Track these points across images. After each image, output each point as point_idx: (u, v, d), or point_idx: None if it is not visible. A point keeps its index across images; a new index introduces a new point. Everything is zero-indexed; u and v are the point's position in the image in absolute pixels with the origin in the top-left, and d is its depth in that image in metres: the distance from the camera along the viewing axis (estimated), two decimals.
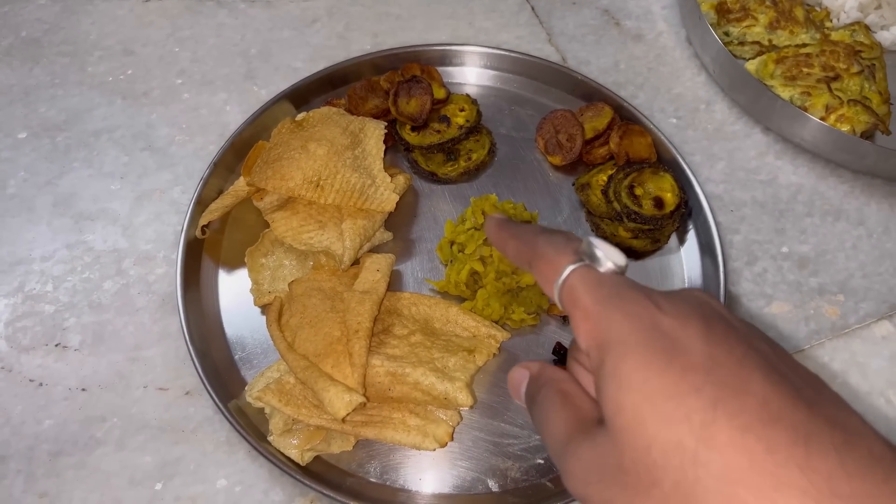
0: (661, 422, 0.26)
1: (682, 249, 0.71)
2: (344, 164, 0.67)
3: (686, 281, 0.69)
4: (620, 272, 0.32)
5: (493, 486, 0.59)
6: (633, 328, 0.28)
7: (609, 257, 0.31)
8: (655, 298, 0.29)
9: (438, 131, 0.75)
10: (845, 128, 0.72)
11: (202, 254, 0.69)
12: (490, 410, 0.62)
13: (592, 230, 0.72)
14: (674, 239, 0.71)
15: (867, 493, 0.23)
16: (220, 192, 0.71)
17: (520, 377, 0.37)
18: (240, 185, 0.69)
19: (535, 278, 0.34)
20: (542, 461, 0.60)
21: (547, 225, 0.71)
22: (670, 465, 0.25)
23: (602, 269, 0.31)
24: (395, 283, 0.68)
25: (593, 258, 0.31)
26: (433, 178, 0.74)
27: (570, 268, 0.31)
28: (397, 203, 0.71)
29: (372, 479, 0.59)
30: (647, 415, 0.26)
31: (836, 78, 0.76)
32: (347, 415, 0.54)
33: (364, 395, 0.56)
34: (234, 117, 0.77)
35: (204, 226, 0.68)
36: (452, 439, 0.58)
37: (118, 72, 0.82)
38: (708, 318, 0.28)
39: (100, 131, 0.77)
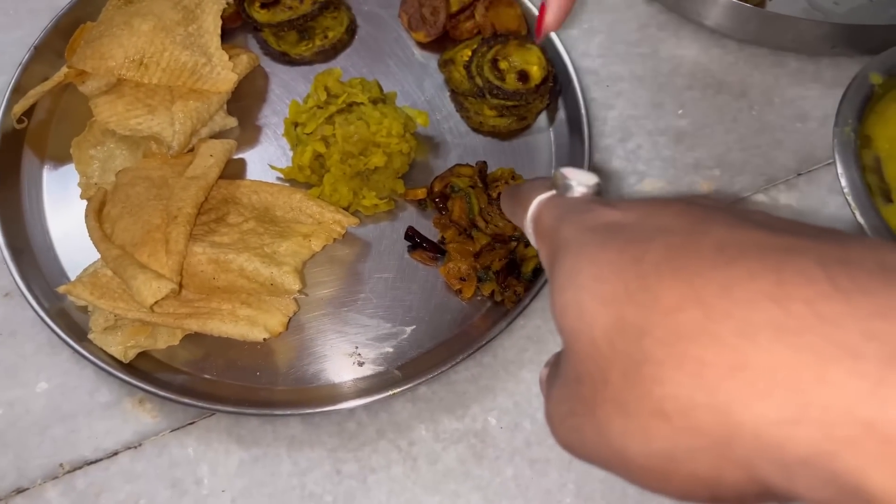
0: (600, 304, 0.21)
1: (552, 129, 0.66)
2: (173, 41, 0.60)
3: (553, 160, 0.65)
4: (594, 193, 0.29)
5: (340, 376, 0.56)
6: (576, 230, 0.25)
7: (578, 180, 0.29)
8: (616, 203, 0.26)
9: (290, 7, 0.68)
10: None
11: (23, 147, 0.63)
12: (339, 301, 0.58)
13: (456, 110, 0.66)
14: (543, 118, 0.66)
15: (873, 307, 0.17)
16: (46, 80, 0.64)
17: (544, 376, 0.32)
18: (64, 70, 0.63)
19: (520, 228, 0.31)
20: (390, 349, 0.57)
21: (409, 105, 0.66)
22: (616, 352, 0.21)
23: (573, 195, 0.29)
24: (239, 171, 0.63)
25: (565, 187, 0.29)
26: (285, 58, 0.68)
27: (538, 199, 0.29)
28: (244, 87, 0.65)
29: (206, 376, 0.56)
30: (586, 303, 0.22)
31: None
32: (157, 303, 0.50)
33: (180, 283, 0.51)
34: (67, 1, 0.70)
35: (22, 115, 0.62)
36: (287, 329, 0.55)
37: None
38: (668, 201, 0.24)
39: None
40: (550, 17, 0.48)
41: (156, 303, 0.49)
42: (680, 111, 0.68)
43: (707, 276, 0.20)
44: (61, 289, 0.53)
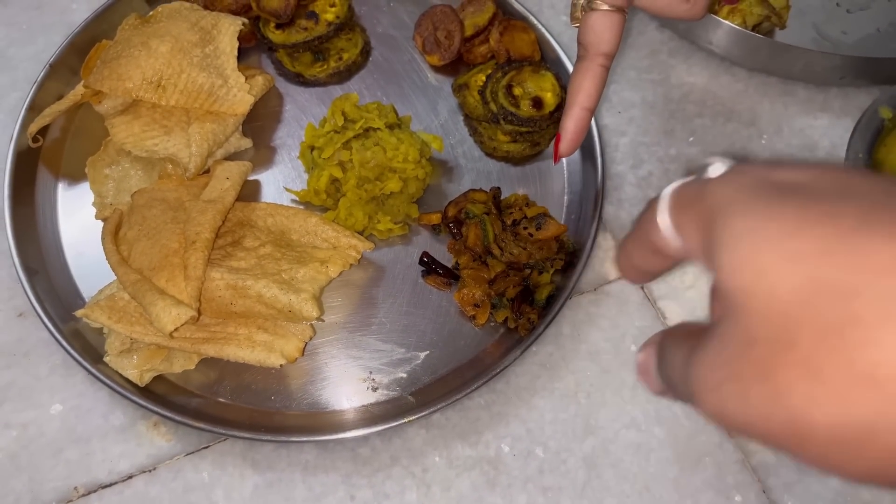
0: (789, 261, 0.19)
1: None
2: (190, 62, 0.60)
3: (566, 186, 0.65)
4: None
5: (353, 402, 0.56)
6: (738, 188, 0.22)
7: (710, 165, 0.26)
8: (773, 165, 0.24)
9: (305, 28, 0.69)
10: (737, 21, 0.68)
11: (38, 165, 0.63)
12: (353, 325, 0.59)
13: (470, 134, 0.67)
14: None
15: None
16: (61, 97, 0.64)
17: (646, 359, 0.28)
18: (80, 89, 0.63)
19: (647, 241, 0.27)
20: (404, 375, 0.57)
21: (423, 129, 0.67)
22: (811, 312, 0.19)
23: (713, 174, 0.25)
24: (254, 193, 0.63)
25: (700, 173, 0.26)
26: (300, 80, 0.68)
27: (672, 186, 0.26)
28: (259, 108, 0.66)
29: (221, 400, 0.56)
30: (770, 260, 0.20)
31: None
32: (176, 329, 0.50)
33: (198, 309, 0.51)
34: (81, 16, 0.69)
35: (37, 133, 0.62)
36: (303, 354, 0.55)
37: None
38: (837, 168, 0.23)
39: None
40: (565, 146, 0.52)
41: (175, 329, 0.49)
42: (690, 139, 0.69)
43: None
44: (79, 313, 0.53)
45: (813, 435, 0.19)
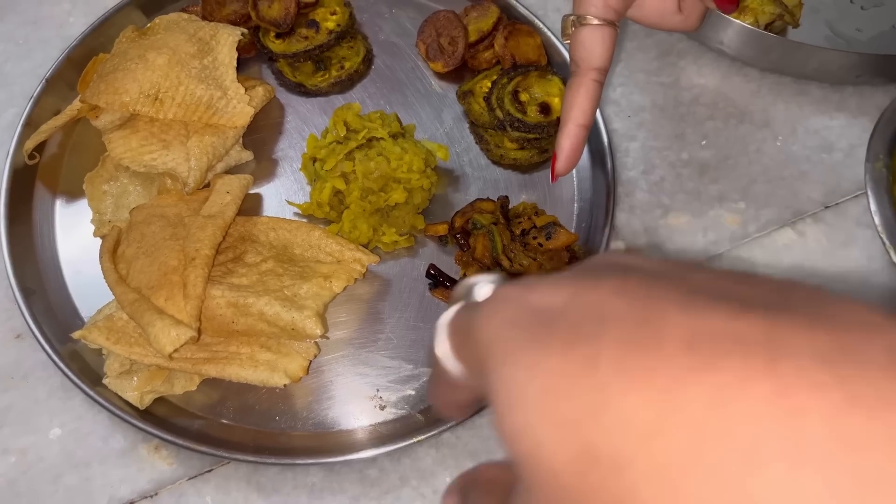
0: (559, 429, 0.18)
1: None
2: (188, 74, 0.59)
3: (576, 194, 0.63)
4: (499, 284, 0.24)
5: (360, 421, 0.54)
6: (499, 328, 0.20)
7: (477, 286, 0.24)
8: (529, 282, 0.21)
9: (306, 38, 0.67)
10: (748, 20, 0.66)
11: (35, 182, 0.61)
12: (359, 342, 0.57)
13: (476, 142, 0.65)
14: None
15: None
16: (58, 113, 0.63)
17: (452, 502, 0.27)
18: (77, 104, 0.62)
19: (442, 376, 0.25)
20: (412, 392, 0.56)
21: (427, 138, 0.65)
22: (591, 487, 0.17)
23: (479, 297, 0.24)
24: (255, 207, 0.62)
25: (466, 294, 0.24)
26: (301, 90, 0.67)
27: (442, 321, 0.24)
28: (260, 119, 0.64)
29: (223, 421, 0.54)
30: (542, 429, 0.18)
31: None
32: (176, 351, 0.48)
33: (199, 329, 0.50)
34: (79, 29, 0.68)
35: (34, 150, 0.60)
36: (308, 373, 0.53)
37: None
38: (595, 272, 0.20)
39: None
40: (561, 164, 0.51)
41: (174, 351, 0.48)
42: (703, 142, 0.67)
43: (687, 385, 0.16)
44: (76, 334, 0.52)
45: None
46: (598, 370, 0.17)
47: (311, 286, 0.53)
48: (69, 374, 0.52)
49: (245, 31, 0.65)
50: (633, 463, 0.16)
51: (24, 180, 0.60)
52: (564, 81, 0.63)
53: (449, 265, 0.60)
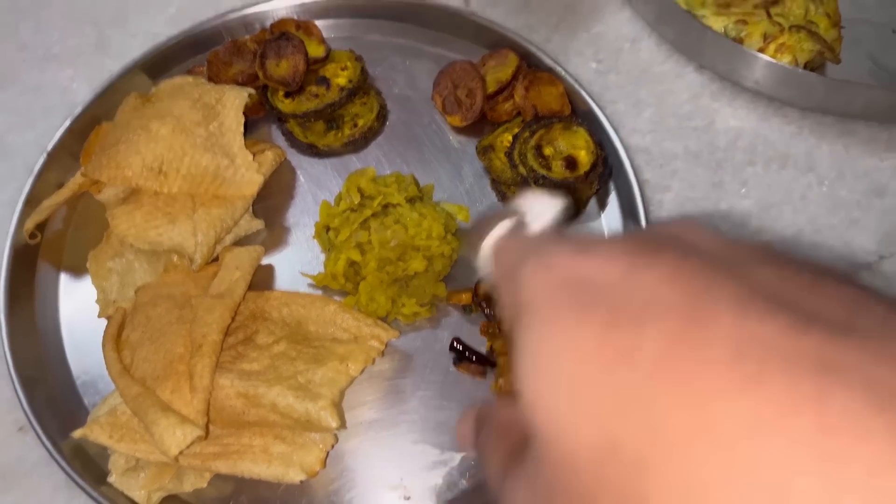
0: (584, 413, 0.17)
1: (604, 215, 0.61)
2: (193, 144, 0.56)
3: None
4: (557, 222, 0.25)
5: None
6: (542, 286, 0.20)
7: (534, 211, 0.24)
8: (585, 243, 0.20)
9: (317, 95, 0.64)
10: (786, 59, 0.62)
11: (37, 261, 0.59)
12: (380, 424, 0.53)
13: (499, 199, 0.61)
14: (593, 204, 0.61)
15: None
16: (61, 186, 0.60)
17: (466, 429, 0.27)
18: (79, 178, 0.59)
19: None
20: (440, 480, 0.51)
21: (447, 198, 0.61)
22: (607, 479, 0.16)
23: (531, 230, 0.24)
24: (267, 278, 0.58)
25: (521, 221, 0.25)
26: (313, 150, 0.63)
27: (493, 235, 0.24)
28: (270, 184, 0.61)
29: None
30: (566, 408, 0.18)
31: (776, 1, 0.65)
32: (181, 452, 0.44)
33: (207, 425, 0.46)
34: (83, 97, 0.66)
35: (37, 227, 0.58)
36: (325, 466, 0.49)
37: None
38: (656, 250, 0.19)
39: None
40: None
41: (180, 453, 0.44)
42: (742, 190, 0.62)
43: (728, 400, 0.15)
44: (77, 434, 0.49)
45: None
46: (637, 363, 0.16)
47: (326, 371, 0.49)
48: (71, 473, 0.49)
49: (252, 91, 0.62)
50: (656, 470, 0.15)
51: (25, 259, 0.58)
52: (590, 132, 0.59)
53: (474, 335, 0.55)
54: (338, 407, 0.48)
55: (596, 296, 0.18)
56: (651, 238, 0.20)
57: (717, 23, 0.65)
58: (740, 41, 0.64)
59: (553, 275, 0.20)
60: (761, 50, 0.62)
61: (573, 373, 0.17)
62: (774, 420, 0.14)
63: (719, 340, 0.16)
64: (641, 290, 0.18)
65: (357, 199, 0.55)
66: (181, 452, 0.44)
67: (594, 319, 0.18)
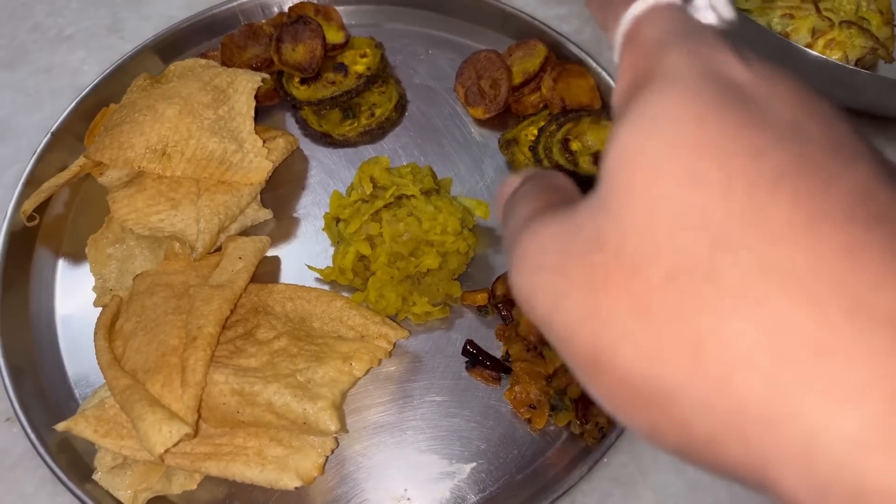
0: (684, 181, 0.16)
1: None
2: (200, 126, 0.53)
3: None
4: (724, 27, 0.22)
5: None
6: (691, 65, 0.18)
7: (713, 3, 0.21)
8: (747, 60, 0.19)
9: (333, 83, 0.61)
10: (836, 55, 0.57)
11: (35, 245, 0.56)
12: (385, 430, 0.49)
13: None
14: None
15: None
16: (64, 169, 0.58)
17: (510, 186, 0.24)
18: (82, 160, 0.56)
19: (601, 25, 0.23)
20: (447, 493, 0.48)
21: (465, 192, 0.58)
22: (676, 248, 0.16)
23: (699, 16, 0.21)
24: (273, 271, 0.55)
25: (693, 3, 0.22)
26: (328, 140, 0.60)
27: (637, 7, 0.21)
28: (281, 173, 0.58)
29: None
30: (667, 166, 0.16)
31: None
32: (167, 451, 0.41)
33: (197, 423, 0.43)
34: (93, 79, 0.64)
35: (36, 209, 0.55)
36: (323, 472, 0.46)
37: None
38: (812, 94, 0.18)
39: None
40: None
41: (165, 451, 0.41)
42: None
43: (834, 231, 0.15)
44: (60, 426, 0.46)
45: (610, 371, 0.17)
46: (761, 162, 0.16)
47: (327, 370, 0.46)
48: (55, 469, 0.46)
49: (266, 76, 0.59)
50: (742, 252, 0.15)
51: (22, 243, 0.55)
52: None
53: (489, 339, 0.52)
54: (338, 409, 0.45)
55: (740, 97, 0.17)
56: (803, 84, 0.19)
57: (762, 17, 0.61)
58: (786, 35, 0.59)
59: (706, 61, 0.18)
60: (809, 46, 0.58)
61: (691, 142, 0.16)
62: (872, 270, 0.15)
63: (850, 185, 0.16)
64: (788, 110, 0.17)
65: (369, 190, 0.52)
66: (167, 451, 0.41)
67: (732, 111, 0.17)
